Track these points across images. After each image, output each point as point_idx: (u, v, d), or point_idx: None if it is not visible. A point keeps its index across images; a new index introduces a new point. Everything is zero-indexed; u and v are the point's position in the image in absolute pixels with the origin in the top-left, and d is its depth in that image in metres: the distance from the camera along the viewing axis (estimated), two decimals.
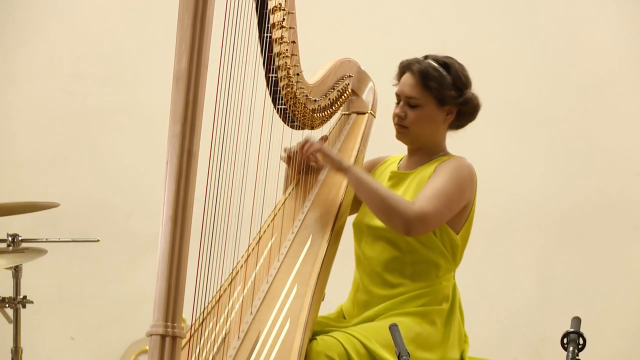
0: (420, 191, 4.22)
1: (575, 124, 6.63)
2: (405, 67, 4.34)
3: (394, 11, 6.58)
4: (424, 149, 4.39)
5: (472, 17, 6.62)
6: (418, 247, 4.25)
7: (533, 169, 6.62)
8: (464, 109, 4.33)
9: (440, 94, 4.29)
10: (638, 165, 6.62)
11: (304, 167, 4.49)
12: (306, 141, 4.35)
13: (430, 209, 4.14)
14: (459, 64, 4.35)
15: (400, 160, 4.49)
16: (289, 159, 4.47)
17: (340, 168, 4.27)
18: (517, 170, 6.61)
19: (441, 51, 6.30)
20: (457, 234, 4.30)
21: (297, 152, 4.44)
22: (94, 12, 6.63)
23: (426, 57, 4.36)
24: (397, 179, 4.39)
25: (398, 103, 4.34)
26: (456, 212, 4.25)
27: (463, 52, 6.47)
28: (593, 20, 6.60)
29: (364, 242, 4.36)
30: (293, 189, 4.50)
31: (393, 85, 4.37)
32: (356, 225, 4.40)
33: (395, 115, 4.34)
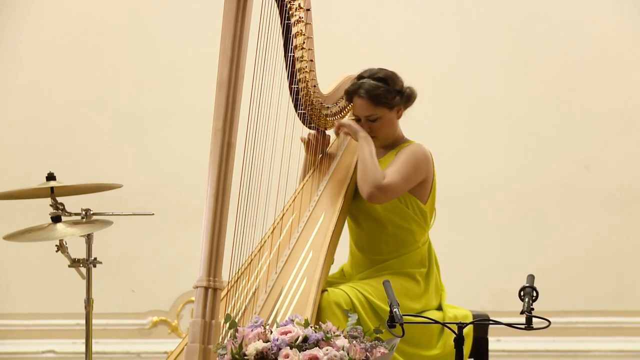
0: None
1: (530, 121, 6.59)
2: (352, 93, 4.29)
3: (386, 31, 6.56)
4: (386, 142, 4.36)
5: (450, 34, 6.58)
6: (395, 219, 4.25)
7: (496, 156, 6.59)
8: (407, 104, 4.32)
9: (389, 104, 4.26)
10: (578, 153, 6.58)
11: (319, 151, 4.49)
12: (340, 125, 4.35)
13: (395, 183, 4.14)
14: (390, 72, 4.30)
15: None
16: (308, 145, 4.48)
17: (356, 137, 4.26)
18: (483, 158, 6.58)
19: (424, 60, 6.35)
20: (425, 203, 4.29)
21: (312, 139, 4.45)
22: (149, 35, 6.60)
23: (360, 76, 4.30)
24: None
25: (358, 120, 4.31)
26: (413, 185, 4.25)
27: (443, 63, 6.49)
28: (548, 35, 6.57)
29: (353, 221, 4.35)
30: (310, 176, 4.48)
31: (347, 109, 4.36)
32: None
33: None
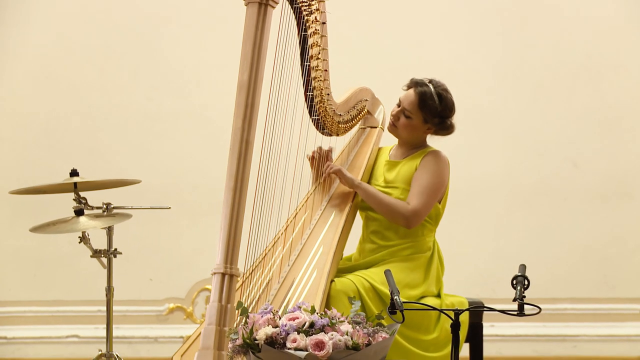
0: (409, 180, 4.24)
1: (522, 121, 6.60)
2: (413, 84, 4.28)
3: (389, 41, 6.54)
4: (408, 144, 4.35)
5: (446, 39, 6.57)
6: None
7: (491, 154, 6.60)
8: (440, 132, 4.30)
9: (427, 117, 4.25)
10: (566, 152, 6.56)
11: (321, 172, 4.45)
12: (327, 166, 4.33)
13: (421, 205, 4.19)
14: (450, 98, 4.28)
15: (391, 149, 4.46)
16: (312, 161, 4.45)
17: (352, 186, 4.27)
18: (479, 155, 6.58)
19: (422, 62, 6.32)
20: (440, 202, 4.29)
21: (316, 157, 4.42)
22: (170, 39, 6.55)
23: (430, 81, 4.28)
24: (389, 165, 4.36)
25: (399, 105, 4.29)
26: (441, 194, 4.27)
27: (439, 65, 6.45)
28: (538, 37, 6.55)
29: (369, 209, 4.32)
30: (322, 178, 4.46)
31: (402, 88, 4.31)
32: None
33: (392, 114, 4.32)
